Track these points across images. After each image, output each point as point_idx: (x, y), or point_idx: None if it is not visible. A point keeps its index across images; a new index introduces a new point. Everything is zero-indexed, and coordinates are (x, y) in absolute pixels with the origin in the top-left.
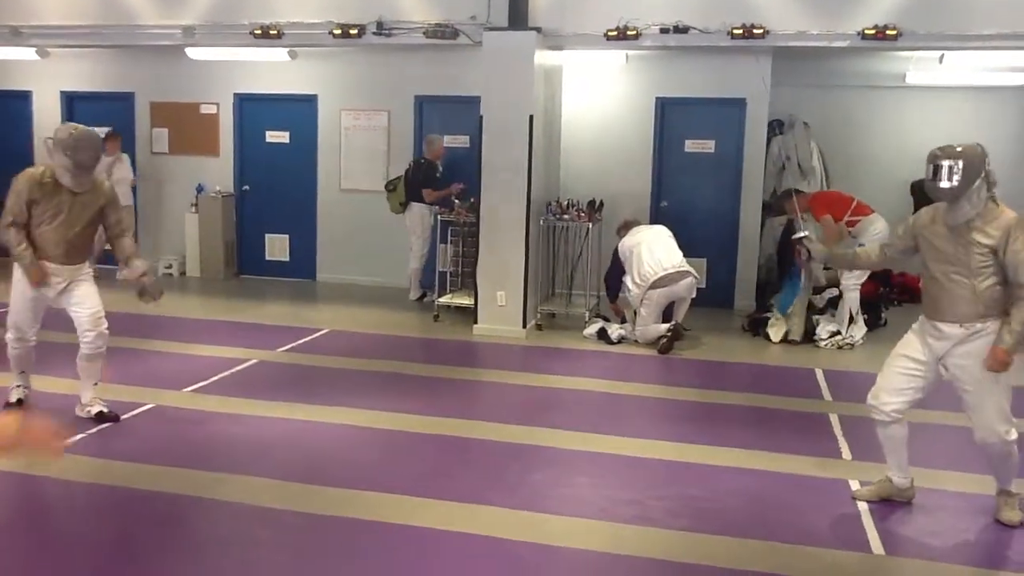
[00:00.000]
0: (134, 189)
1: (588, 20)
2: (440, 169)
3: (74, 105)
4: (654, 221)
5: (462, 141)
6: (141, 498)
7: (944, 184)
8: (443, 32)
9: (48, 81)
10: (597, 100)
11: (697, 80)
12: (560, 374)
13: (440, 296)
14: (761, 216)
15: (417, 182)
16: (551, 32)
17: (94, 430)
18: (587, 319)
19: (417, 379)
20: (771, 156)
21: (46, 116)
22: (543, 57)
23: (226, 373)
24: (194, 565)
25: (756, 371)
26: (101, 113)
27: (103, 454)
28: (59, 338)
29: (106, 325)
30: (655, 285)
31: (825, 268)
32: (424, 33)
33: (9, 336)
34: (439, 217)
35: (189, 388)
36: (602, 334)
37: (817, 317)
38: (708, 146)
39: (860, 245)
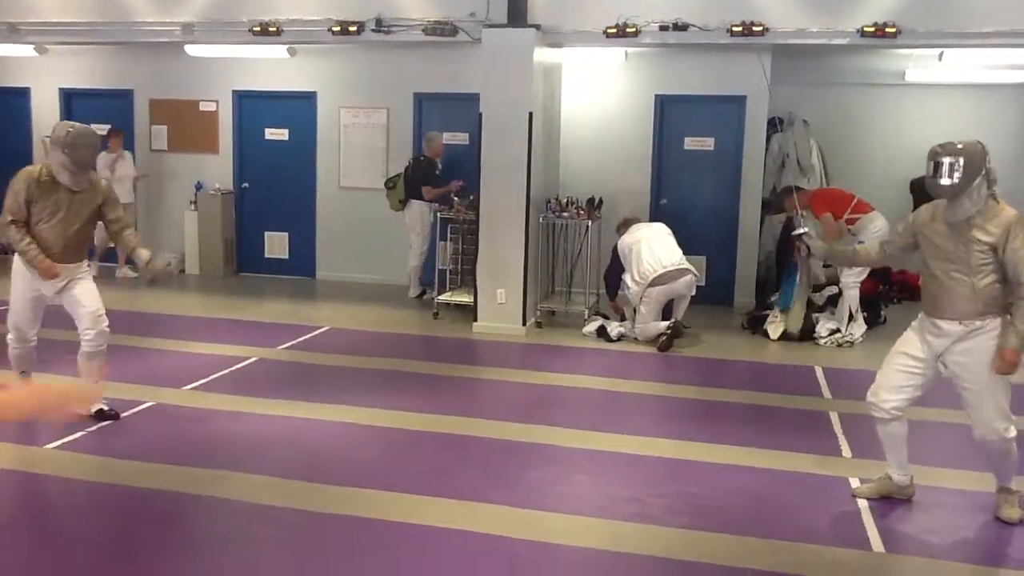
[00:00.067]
0: (134, 185)
1: (587, 17)
2: (440, 166)
3: (73, 102)
4: (653, 219)
5: (461, 138)
6: (141, 496)
7: (945, 181)
8: (442, 29)
9: (47, 78)
10: (596, 97)
11: (696, 78)
12: (560, 372)
13: (440, 294)
14: (760, 214)
15: (417, 179)
16: (550, 29)
17: (94, 428)
18: (587, 317)
19: (417, 377)
20: (771, 154)
21: (45, 113)
22: (542, 54)
23: (226, 371)
24: (194, 563)
25: (756, 369)
26: (100, 110)
27: (103, 452)
28: (59, 336)
29: (107, 323)
30: (654, 283)
31: (825, 266)
32: (423, 30)
33: (10, 337)
34: (439, 214)
35: (189, 386)
36: (601, 332)
37: (817, 315)
38: (707, 144)
39: (860, 242)
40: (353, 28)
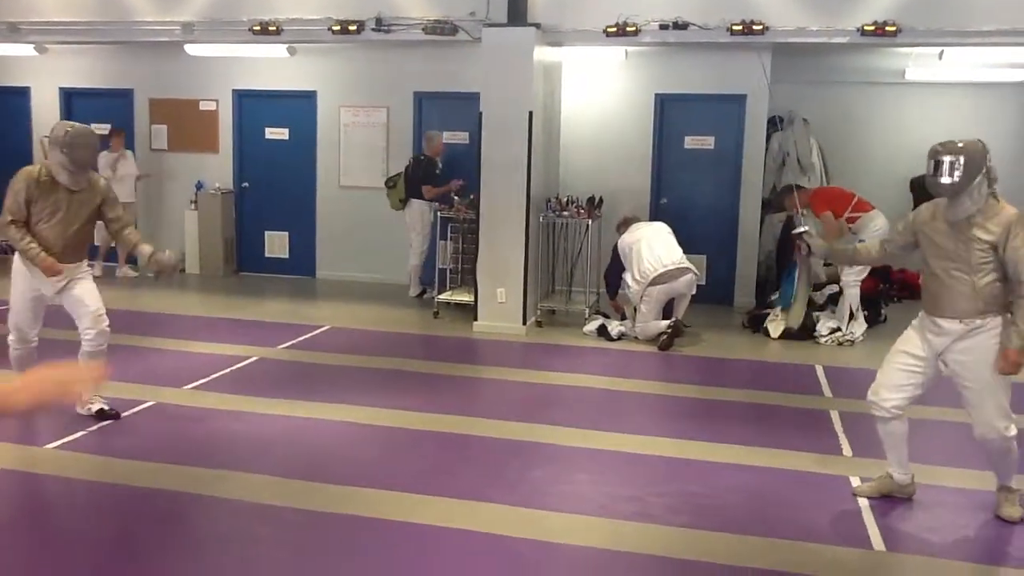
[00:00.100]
0: (135, 185)
1: (587, 16)
2: (440, 166)
3: (73, 102)
4: (654, 218)
5: (461, 137)
6: (141, 495)
7: (945, 180)
8: (442, 28)
9: (47, 77)
10: (596, 96)
11: (697, 76)
12: (560, 371)
13: (440, 293)
14: (761, 213)
15: (417, 179)
16: (550, 28)
17: (95, 427)
18: (587, 316)
19: (417, 376)
20: (771, 152)
21: (45, 112)
22: (542, 53)
23: (226, 370)
24: (194, 562)
25: (756, 367)
26: (100, 110)
27: (103, 451)
28: (60, 336)
29: (107, 322)
30: (655, 282)
31: (825, 264)
32: (423, 29)
33: (11, 338)
34: (439, 214)
35: (189, 385)
36: (602, 331)
37: (817, 313)
38: (708, 142)
39: (860, 241)
40: (353, 27)
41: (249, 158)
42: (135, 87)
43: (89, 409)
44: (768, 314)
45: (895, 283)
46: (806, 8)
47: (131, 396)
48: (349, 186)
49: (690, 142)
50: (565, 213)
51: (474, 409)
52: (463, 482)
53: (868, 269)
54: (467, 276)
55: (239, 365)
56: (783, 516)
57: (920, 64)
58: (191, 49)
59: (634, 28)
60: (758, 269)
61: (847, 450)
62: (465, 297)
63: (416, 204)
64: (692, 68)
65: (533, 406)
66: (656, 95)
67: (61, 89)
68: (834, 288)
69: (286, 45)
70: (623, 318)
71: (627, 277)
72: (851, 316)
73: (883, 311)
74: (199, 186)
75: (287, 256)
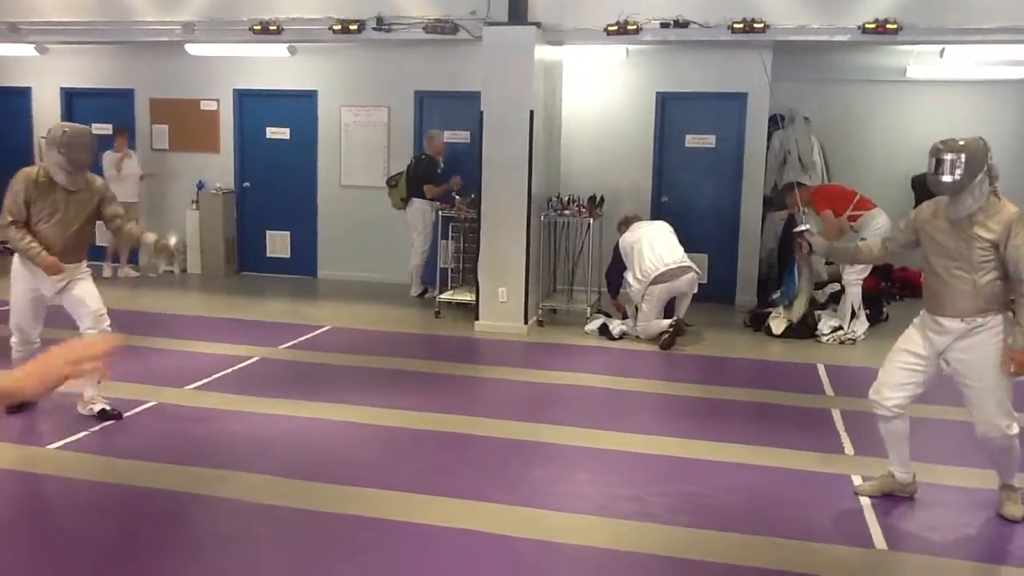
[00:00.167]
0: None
1: (588, 15)
2: (441, 165)
3: (73, 102)
4: (655, 216)
5: (462, 137)
6: (142, 495)
7: (946, 178)
8: (443, 27)
9: (47, 77)
10: (597, 95)
11: (697, 75)
12: (561, 370)
13: (441, 292)
14: (762, 211)
15: (418, 178)
16: (551, 27)
17: (96, 428)
18: (588, 315)
19: (418, 375)
20: (772, 151)
21: (45, 112)
22: (543, 52)
23: (228, 370)
24: (195, 562)
25: (758, 367)
26: (101, 110)
27: (105, 451)
28: (61, 336)
29: (108, 322)
30: (656, 281)
31: (827, 263)
32: (424, 28)
33: (13, 340)
34: (440, 213)
35: (191, 385)
36: (603, 330)
37: (819, 312)
38: (709, 141)
39: (861, 239)
40: (354, 27)
41: (250, 158)
42: (136, 87)
43: (91, 409)
44: (770, 312)
45: (896, 281)
46: (807, 6)
47: (133, 396)
48: (350, 185)
49: (691, 140)
50: (566, 212)
51: (475, 409)
52: (464, 482)
53: (870, 268)
54: (468, 275)
55: (240, 365)
56: (784, 515)
57: (921, 62)
58: (192, 49)
59: (635, 26)
60: (759, 268)
61: (849, 449)
62: (466, 296)
63: (417, 203)
64: (693, 66)
65: (534, 405)
66: (657, 93)
67: (62, 89)
68: (836, 287)
69: (287, 45)
70: (625, 317)
71: (628, 276)
72: (853, 315)
73: (885, 309)
74: (200, 186)
75: (288, 256)
